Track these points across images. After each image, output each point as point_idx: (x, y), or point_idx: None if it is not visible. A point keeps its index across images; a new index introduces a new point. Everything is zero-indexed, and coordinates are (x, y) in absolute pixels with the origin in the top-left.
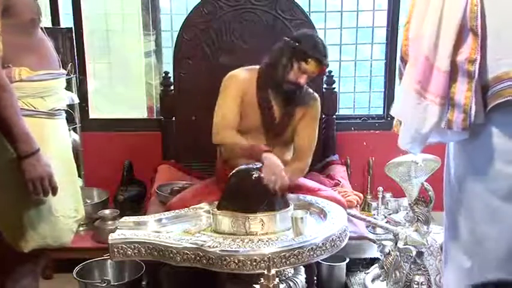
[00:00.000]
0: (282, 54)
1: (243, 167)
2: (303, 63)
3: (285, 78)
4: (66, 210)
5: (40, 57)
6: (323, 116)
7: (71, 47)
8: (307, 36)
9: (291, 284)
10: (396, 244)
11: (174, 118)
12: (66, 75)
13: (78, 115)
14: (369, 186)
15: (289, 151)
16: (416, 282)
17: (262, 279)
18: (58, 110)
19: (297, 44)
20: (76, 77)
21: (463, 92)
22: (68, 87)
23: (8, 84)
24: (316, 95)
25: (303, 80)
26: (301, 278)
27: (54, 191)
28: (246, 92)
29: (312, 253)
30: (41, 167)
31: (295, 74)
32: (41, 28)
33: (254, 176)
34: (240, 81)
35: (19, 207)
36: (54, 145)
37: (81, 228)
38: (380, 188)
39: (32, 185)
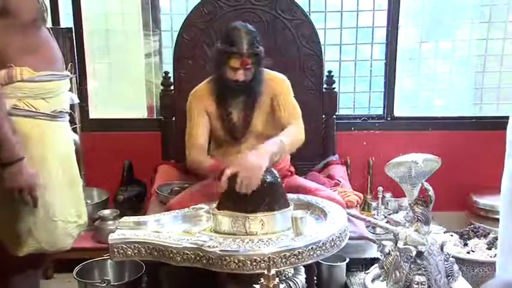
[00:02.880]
0: (213, 57)
1: None
2: (228, 61)
3: (227, 80)
4: (66, 214)
5: (43, 58)
6: (323, 116)
7: (71, 47)
8: (225, 31)
9: (291, 284)
10: (396, 244)
11: (174, 118)
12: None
13: (78, 115)
14: (369, 186)
15: None
16: (416, 282)
17: (262, 279)
18: (60, 112)
19: (217, 44)
20: (76, 77)
21: None
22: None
23: None
24: (279, 75)
25: (239, 76)
26: (301, 278)
27: (35, 203)
28: (207, 106)
29: (312, 253)
30: (21, 177)
31: (229, 73)
32: (48, 29)
33: None
34: (199, 97)
35: (15, 211)
36: (55, 148)
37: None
38: (380, 188)
39: (12, 194)
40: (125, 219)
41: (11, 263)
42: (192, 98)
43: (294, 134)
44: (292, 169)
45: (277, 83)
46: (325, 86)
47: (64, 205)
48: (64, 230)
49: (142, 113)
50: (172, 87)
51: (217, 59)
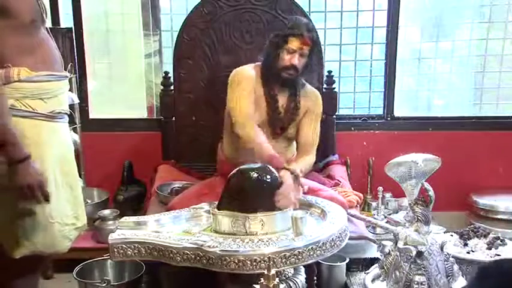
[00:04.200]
0: (270, 45)
1: (243, 166)
2: (286, 45)
3: (279, 66)
4: (63, 216)
5: (41, 58)
6: (323, 116)
7: (71, 47)
8: (288, 21)
9: (291, 284)
10: (396, 244)
11: (174, 118)
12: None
13: (78, 115)
14: (369, 186)
15: (291, 148)
16: (416, 282)
17: (262, 279)
18: (59, 112)
19: (278, 32)
20: (76, 77)
21: None
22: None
23: None
24: (317, 91)
25: (294, 59)
26: (301, 278)
27: (47, 199)
28: (254, 88)
29: (312, 253)
30: (31, 175)
31: (285, 58)
32: (47, 29)
33: (254, 176)
34: (250, 76)
35: (12, 213)
36: (53, 148)
37: None
38: (380, 188)
39: (22, 192)
40: (124, 219)
41: (9, 266)
42: (243, 74)
43: (308, 165)
44: None
45: (315, 99)
46: (325, 86)
47: (61, 207)
48: (61, 232)
49: (142, 113)
50: (172, 87)
51: (274, 43)
